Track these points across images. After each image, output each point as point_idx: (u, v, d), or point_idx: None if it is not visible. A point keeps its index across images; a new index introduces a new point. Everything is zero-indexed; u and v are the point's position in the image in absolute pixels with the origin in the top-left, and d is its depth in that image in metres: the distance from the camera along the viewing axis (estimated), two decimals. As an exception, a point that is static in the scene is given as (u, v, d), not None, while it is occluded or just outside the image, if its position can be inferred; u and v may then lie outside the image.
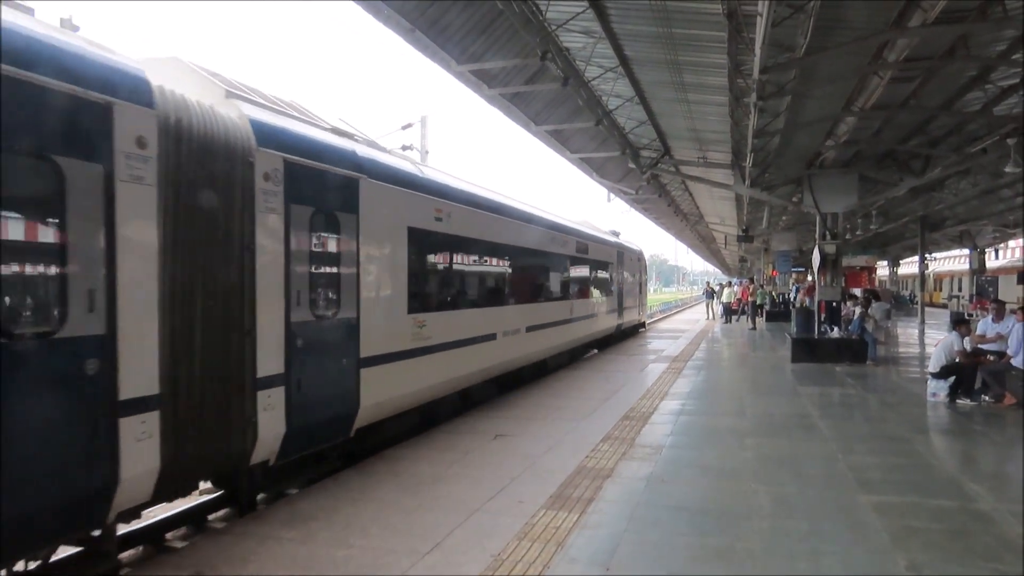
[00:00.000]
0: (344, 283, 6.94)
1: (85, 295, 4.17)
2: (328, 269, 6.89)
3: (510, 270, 11.97)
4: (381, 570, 4.47)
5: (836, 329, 16.34)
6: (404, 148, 21.36)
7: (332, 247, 6.93)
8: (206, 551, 4.85)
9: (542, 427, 8.96)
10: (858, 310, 15.78)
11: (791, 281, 34.62)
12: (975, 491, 6.01)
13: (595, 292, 18.18)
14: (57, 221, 4.13)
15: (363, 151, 7.59)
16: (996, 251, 37.57)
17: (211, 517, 6.48)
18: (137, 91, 4.60)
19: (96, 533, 4.56)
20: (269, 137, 5.95)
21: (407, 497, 6.06)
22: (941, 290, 44.53)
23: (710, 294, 37.25)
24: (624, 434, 8.36)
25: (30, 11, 4.35)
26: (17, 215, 4.10)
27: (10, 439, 3.68)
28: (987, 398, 10.14)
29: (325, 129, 7.28)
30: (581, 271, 16.96)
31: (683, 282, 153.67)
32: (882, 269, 46.28)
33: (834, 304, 16.36)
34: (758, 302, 28.17)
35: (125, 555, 5.38)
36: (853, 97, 10.78)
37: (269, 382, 5.83)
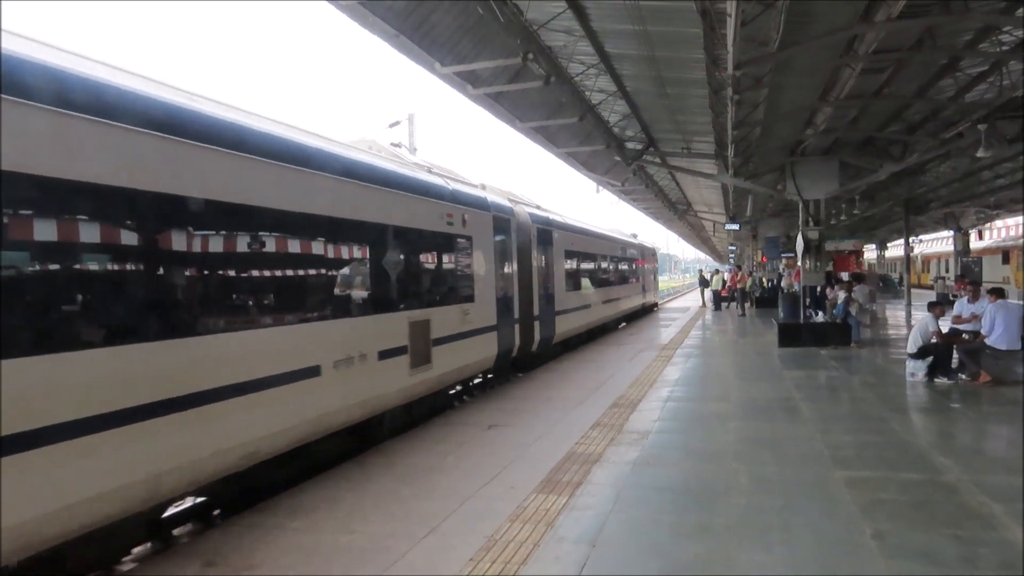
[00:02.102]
0: (552, 276, 15.24)
1: (470, 290, 10.65)
2: (546, 271, 14.83)
3: (599, 267, 20.86)
4: (381, 553, 4.76)
5: (821, 313, 16.72)
6: (393, 145, 21.62)
7: (547, 262, 14.95)
8: (215, 542, 5.13)
9: (534, 417, 9.27)
10: (842, 294, 16.13)
11: (782, 266, 35.01)
12: (943, 464, 6.34)
13: (632, 280, 26.93)
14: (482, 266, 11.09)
15: (554, 216, 16.48)
16: (981, 232, 38.02)
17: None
18: (487, 206, 11.46)
19: None
20: (531, 217, 14.05)
21: (404, 487, 6.35)
22: (928, 271, 45.03)
23: (703, 281, 37.60)
24: (613, 421, 8.66)
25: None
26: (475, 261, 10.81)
27: (503, 322, 11.79)
28: (964, 376, 10.50)
29: (532, 205, 15.35)
30: (625, 266, 25.48)
31: (675, 270, 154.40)
32: (870, 252, 46.75)
33: (818, 289, 16.71)
34: (747, 288, 28.54)
35: (136, 550, 5.65)
36: (828, 87, 11.07)
37: (532, 319, 13.63)
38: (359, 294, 7.62)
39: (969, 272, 28.71)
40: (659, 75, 11.58)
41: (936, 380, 10.49)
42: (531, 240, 13.66)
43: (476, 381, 12.42)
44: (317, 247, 6.88)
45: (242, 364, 5.68)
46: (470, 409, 9.98)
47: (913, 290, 28.07)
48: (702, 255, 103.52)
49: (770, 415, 8.79)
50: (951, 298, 19.97)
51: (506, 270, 12.22)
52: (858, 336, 15.41)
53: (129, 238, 4.82)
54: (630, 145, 17.45)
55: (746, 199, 24.85)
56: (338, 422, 7.15)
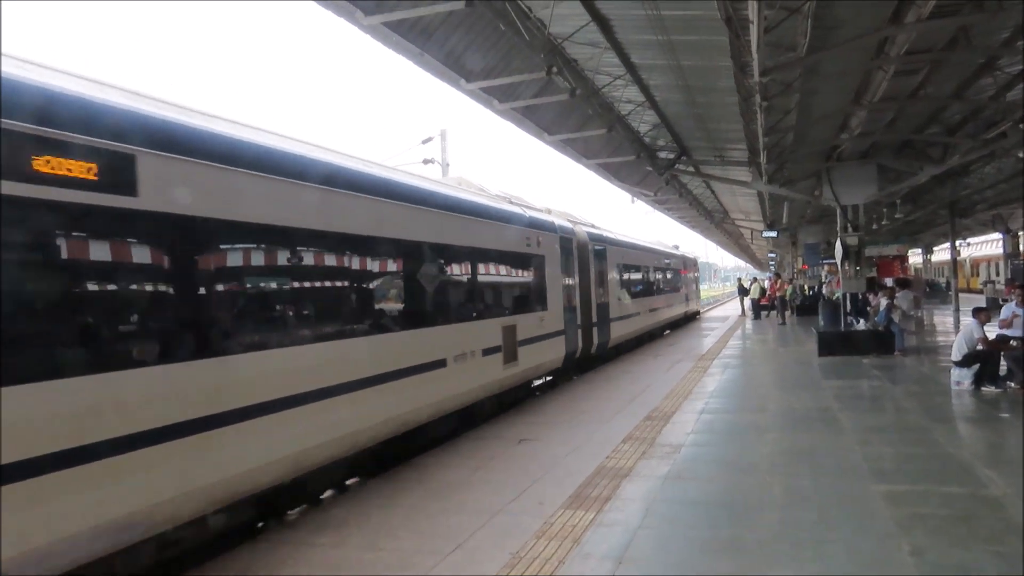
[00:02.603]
0: (607, 287, 16.92)
1: (543, 300, 12.26)
2: (602, 283, 16.53)
3: (647, 278, 22.66)
4: (407, 570, 4.77)
5: (863, 321, 16.31)
6: (425, 161, 21.86)
7: (602, 274, 16.64)
8: (242, 558, 5.20)
9: (566, 430, 9.21)
10: (884, 301, 15.71)
11: (824, 273, 34.30)
12: (988, 477, 6.11)
13: (676, 289, 28.60)
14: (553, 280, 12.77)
15: (607, 233, 18.26)
16: (1033, 233, 36.70)
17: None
18: (554, 228, 13.25)
19: None
20: (589, 236, 15.84)
21: (433, 502, 6.36)
22: (978, 276, 43.61)
23: (742, 290, 37.01)
24: (645, 434, 8.55)
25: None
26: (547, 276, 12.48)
27: (569, 327, 13.53)
28: (1012, 384, 10.11)
29: (587, 224, 17.06)
30: (670, 276, 27.12)
31: (715, 279, 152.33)
32: (916, 257, 45.50)
33: (859, 296, 16.32)
34: (787, 296, 28.01)
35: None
36: (861, 91, 10.85)
37: (591, 325, 15.20)
38: (469, 304, 9.70)
39: (1019, 275, 27.69)
40: (687, 84, 11.50)
41: (983, 389, 10.12)
42: (589, 256, 15.51)
43: (539, 381, 13.94)
44: (445, 268, 9.09)
45: (406, 355, 7.73)
46: (501, 423, 9.96)
47: (962, 295, 27.20)
48: (742, 263, 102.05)
49: (807, 426, 8.58)
50: (1000, 303, 19.31)
51: (570, 283, 13.99)
52: (902, 344, 14.97)
53: (353, 269, 7.26)
54: (662, 155, 17.33)
55: (783, 206, 24.44)
56: (455, 404, 9.03)
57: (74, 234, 4.34)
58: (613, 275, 17.73)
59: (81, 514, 4.08)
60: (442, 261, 8.93)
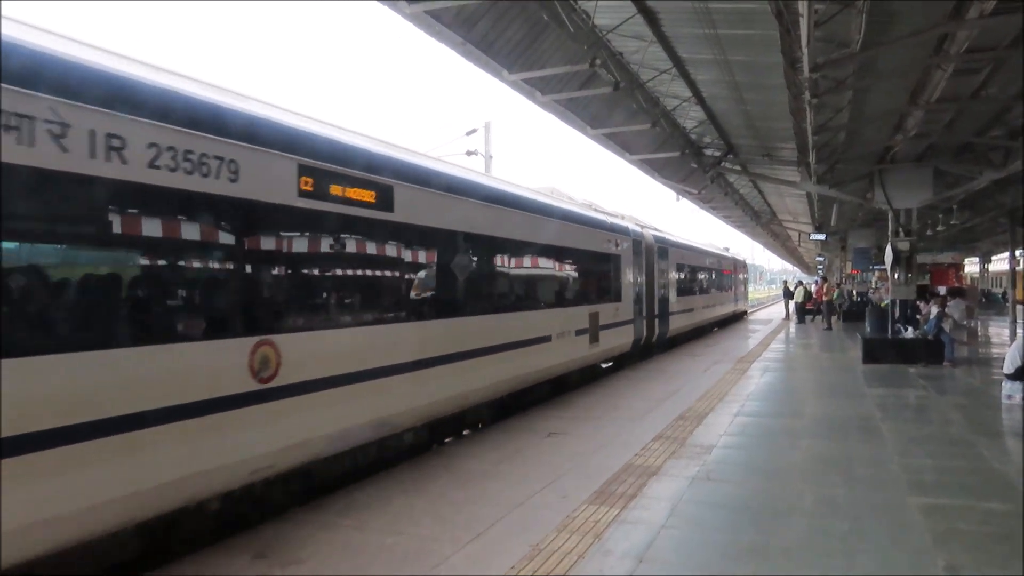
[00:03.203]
0: (667, 284, 18.58)
1: (618, 293, 14.31)
2: (663, 280, 18.16)
3: (701, 277, 24.37)
4: (424, 556, 4.77)
5: (911, 329, 15.78)
6: (469, 153, 21.91)
7: (663, 273, 18.27)
8: (267, 536, 5.27)
9: (596, 426, 9.12)
10: (935, 309, 15.18)
11: (874, 279, 33.38)
12: (1034, 495, 5.84)
13: (727, 289, 30.18)
14: (626, 276, 14.91)
15: (668, 236, 20.02)
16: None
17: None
18: (628, 232, 15.25)
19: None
20: (654, 238, 17.77)
21: (457, 490, 6.37)
22: (1039, 287, 41.84)
23: (787, 293, 36.27)
24: (676, 434, 8.42)
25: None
26: (621, 272, 14.75)
27: (636, 318, 15.60)
28: (1068, 401, 9.65)
29: (651, 228, 18.62)
30: (721, 276, 28.69)
31: (760, 281, 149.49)
32: (972, 266, 43.90)
33: (909, 303, 15.79)
34: (834, 300, 27.31)
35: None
36: (918, 90, 10.45)
37: (654, 317, 17.07)
38: (568, 294, 12.11)
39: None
40: (735, 80, 11.25)
41: (1036, 404, 9.68)
42: (654, 256, 17.53)
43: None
44: (556, 264, 11.62)
45: (530, 330, 10.13)
46: (532, 416, 9.92)
47: (1020, 307, 26.14)
48: (789, 266, 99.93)
49: (845, 434, 8.34)
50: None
51: (638, 279, 16.01)
52: (952, 355, 14.45)
53: (510, 266, 10.03)
54: (708, 152, 17.03)
55: (832, 208, 23.79)
56: (555, 372, 11.32)
57: (363, 234, 6.77)
58: (673, 274, 19.80)
59: (395, 403, 7.03)
60: (555, 259, 11.57)
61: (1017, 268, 25.84)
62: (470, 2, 8.24)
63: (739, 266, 34.66)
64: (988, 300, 37.69)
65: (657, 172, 19.79)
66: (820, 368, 15.18)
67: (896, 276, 15.70)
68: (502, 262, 9.78)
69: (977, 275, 44.55)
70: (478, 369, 8.53)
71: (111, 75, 4.41)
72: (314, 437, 5.90)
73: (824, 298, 27.06)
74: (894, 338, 15.57)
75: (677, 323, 19.93)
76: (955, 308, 15.28)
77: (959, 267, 34.79)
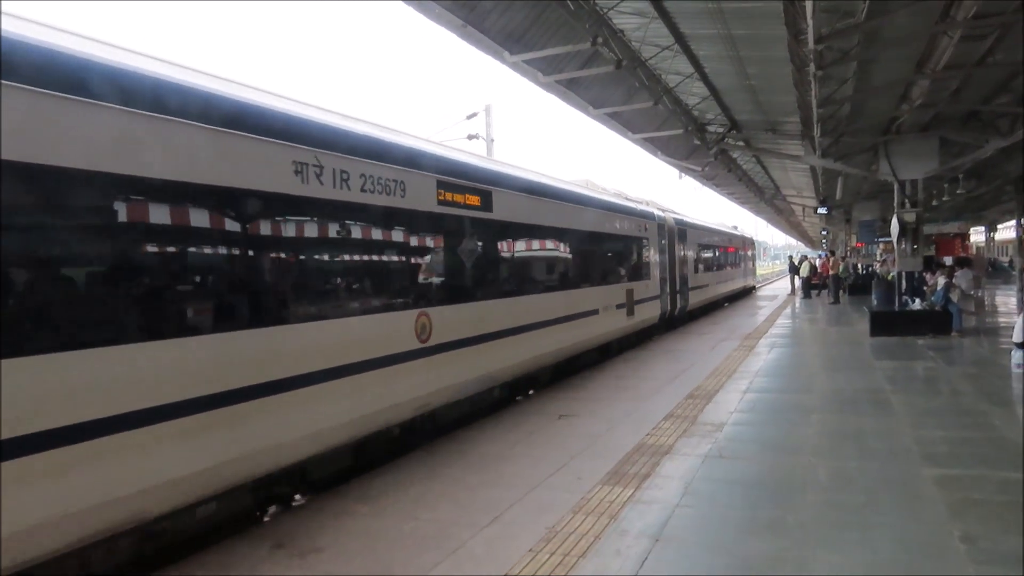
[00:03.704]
0: (687, 263, 20.27)
1: (647, 272, 16.11)
2: (683, 259, 19.90)
3: (715, 255, 26.60)
4: (443, 541, 4.81)
5: (919, 300, 15.74)
6: (470, 137, 21.79)
7: (683, 252, 19.96)
8: (285, 524, 5.32)
9: (606, 407, 9.15)
10: (942, 280, 15.12)
11: (879, 251, 33.24)
12: (1048, 463, 5.84)
13: (737, 265, 32.19)
14: (652, 256, 16.73)
15: (686, 218, 22.14)
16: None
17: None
18: (653, 216, 17.01)
19: None
20: (674, 221, 19.42)
21: (472, 475, 6.40)
22: (1045, 255, 41.64)
23: (793, 268, 36.21)
24: (687, 412, 8.44)
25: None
26: (649, 253, 16.42)
27: (663, 293, 17.51)
28: (1078, 368, 9.63)
29: (672, 211, 20.25)
30: (732, 254, 30.75)
31: (764, 257, 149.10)
32: (978, 235, 43.69)
33: (915, 275, 15.73)
34: (840, 274, 27.23)
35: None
36: (924, 59, 10.34)
37: (676, 293, 18.93)
38: (610, 272, 13.83)
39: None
40: (738, 54, 11.13)
41: (1047, 372, 9.68)
42: (675, 237, 19.19)
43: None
44: (601, 248, 13.52)
45: (585, 304, 11.97)
46: (542, 398, 9.96)
47: (1026, 275, 26.02)
48: (793, 241, 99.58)
49: (856, 408, 8.34)
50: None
51: (662, 259, 17.71)
52: (960, 325, 14.41)
53: (567, 249, 11.77)
54: (711, 128, 16.90)
55: (837, 181, 23.64)
56: (600, 341, 13.10)
57: (475, 231, 8.53)
58: (691, 253, 21.54)
59: (499, 361, 8.91)
60: (601, 244, 13.44)
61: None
62: (469, -17, 8.16)
63: (747, 243, 36.94)
64: (995, 269, 37.50)
65: (660, 150, 19.67)
66: (828, 342, 15.16)
67: (903, 248, 15.63)
68: (565, 248, 11.70)
69: (983, 245, 44.37)
70: (551, 336, 10.47)
71: (345, 131, 6.50)
72: (453, 384, 7.85)
73: (831, 272, 26.97)
74: (901, 310, 15.56)
75: (696, 298, 21.88)
76: (962, 278, 15.21)
77: (965, 237, 34.60)
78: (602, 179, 21.29)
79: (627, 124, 16.27)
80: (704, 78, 12.86)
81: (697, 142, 17.31)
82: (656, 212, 17.86)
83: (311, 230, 6.01)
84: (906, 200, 15.40)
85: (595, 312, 12.42)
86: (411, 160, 7.25)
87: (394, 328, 6.85)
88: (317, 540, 4.96)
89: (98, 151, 4.09)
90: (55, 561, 3.94)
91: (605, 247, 13.76)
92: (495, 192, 8.95)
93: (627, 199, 16.55)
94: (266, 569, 4.58)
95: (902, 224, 15.24)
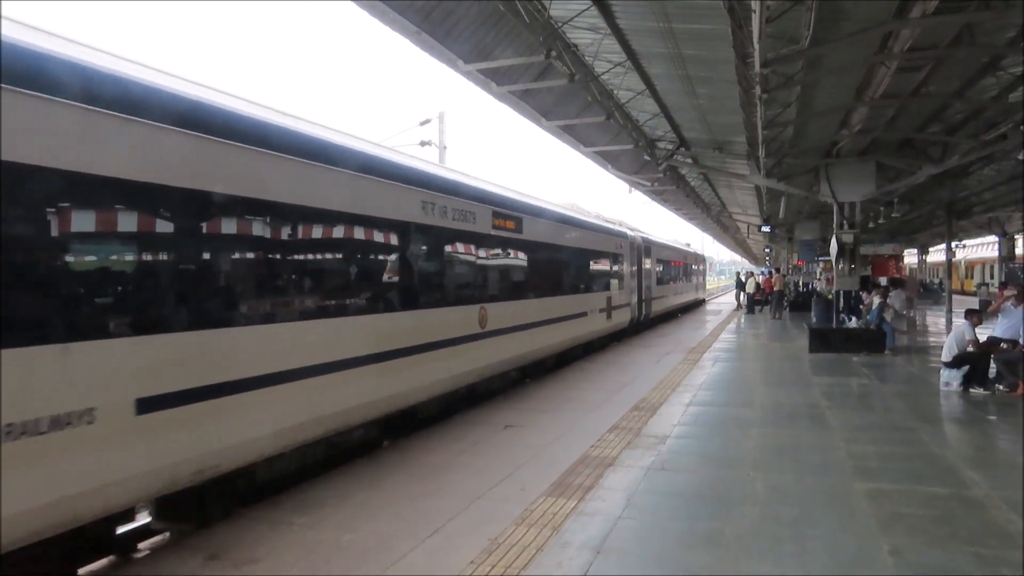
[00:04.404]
0: (651, 276, 23.57)
1: (621, 282, 19.14)
2: (647, 272, 22.97)
3: (673, 270, 29.68)
4: (383, 553, 4.73)
5: (854, 319, 16.29)
6: (423, 143, 21.69)
7: (647, 267, 23.07)
8: (220, 535, 5.15)
9: (552, 418, 9.18)
10: (877, 299, 15.70)
11: (819, 270, 34.31)
12: (972, 479, 6.09)
13: (692, 279, 36.14)
14: (625, 269, 19.85)
15: (650, 236, 24.93)
16: (1028, 237, 36.70)
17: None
18: (627, 235, 20.35)
19: None
20: (641, 239, 22.53)
21: (415, 484, 6.32)
22: (973, 278, 43.69)
23: (740, 283, 37.12)
24: (631, 424, 8.52)
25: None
26: (623, 267, 19.71)
27: (633, 302, 20.83)
28: (1001, 387, 10.11)
29: (637, 230, 23.09)
30: (688, 268, 34.54)
31: (710, 272, 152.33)
32: (911, 257, 45.54)
33: (852, 294, 16.27)
34: (784, 291, 28.02)
35: (144, 543, 5.70)
36: (863, 87, 10.74)
37: (641, 301, 21.88)
38: (595, 282, 16.56)
39: (1015, 278, 27.73)
40: (688, 74, 11.36)
41: (972, 390, 10.13)
42: (641, 253, 22.03)
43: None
44: (590, 261, 16.25)
45: (579, 307, 14.90)
46: (488, 408, 9.92)
47: (956, 297, 27.23)
48: (737, 257, 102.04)
49: (794, 422, 8.56)
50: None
51: (631, 271, 20.64)
52: (893, 343, 14.98)
53: (570, 264, 14.98)
54: (661, 144, 17.20)
55: (780, 201, 24.35)
56: (586, 339, 16.04)
57: (512, 248, 11.40)
58: (654, 267, 24.56)
59: (529, 345, 11.91)
60: (589, 258, 16.22)
61: (953, 259, 26.90)
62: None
63: (700, 260, 42.12)
64: (926, 290, 39.15)
65: (611, 164, 19.93)
66: (769, 358, 15.55)
67: (840, 267, 16.17)
68: (567, 260, 14.71)
69: (916, 266, 46.28)
70: (556, 331, 13.39)
71: (443, 178, 9.49)
72: (501, 360, 10.77)
73: (775, 288, 27.71)
74: (839, 328, 16.06)
75: (657, 306, 25.07)
76: (896, 298, 15.84)
77: (899, 258, 36.01)
78: (585, 203, 25.26)
79: (579, 137, 16.44)
80: (655, 95, 13.09)
81: (647, 157, 17.59)
82: (628, 231, 20.92)
83: (432, 246, 8.89)
84: (844, 221, 15.94)
85: (585, 314, 15.33)
86: (479, 196, 10.27)
87: (468, 317, 9.67)
88: (253, 551, 4.82)
89: (354, 201, 7.17)
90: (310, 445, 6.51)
91: (593, 261, 16.50)
92: (525, 219, 11.90)
93: (605, 220, 19.54)
94: (197, 582, 4.42)
95: (840, 244, 15.76)
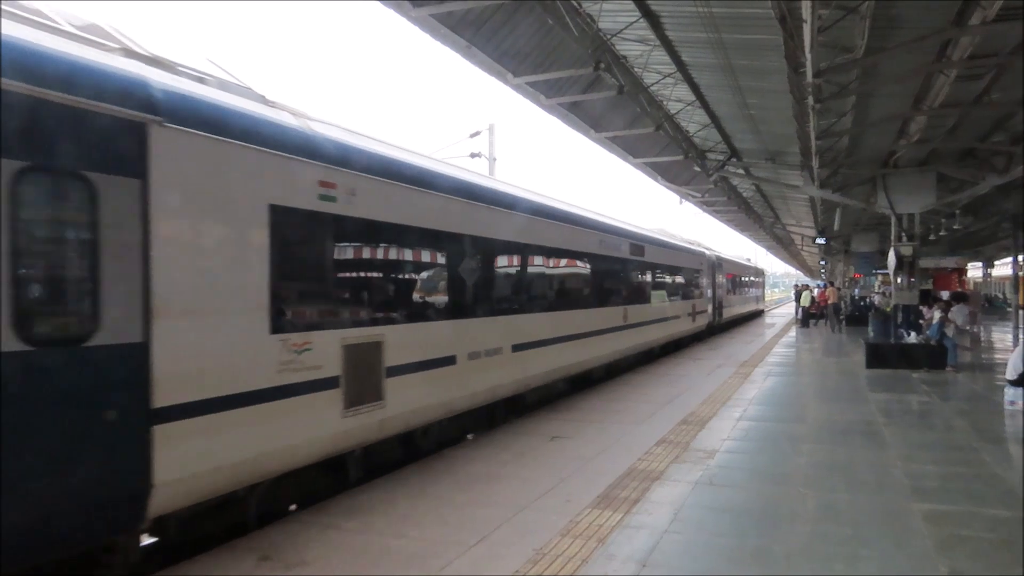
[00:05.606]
0: (722, 288, 28.27)
1: (701, 293, 23.54)
2: (719, 285, 27.18)
3: (738, 282, 33.71)
4: (429, 559, 4.79)
5: (914, 334, 15.78)
6: (472, 156, 21.93)
7: (719, 280, 27.27)
8: (272, 537, 5.29)
9: (599, 429, 9.13)
10: (938, 314, 15.17)
11: (876, 283, 33.34)
12: (1038, 501, 5.84)
13: (754, 290, 40.47)
14: (704, 282, 24.39)
15: (721, 254, 29.21)
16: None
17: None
18: (704, 254, 24.37)
19: None
20: (714, 257, 26.88)
21: (461, 493, 6.38)
22: (1042, 292, 41.70)
23: (798, 296, 36.40)
24: (679, 438, 8.43)
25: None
26: (702, 280, 23.87)
27: (709, 309, 24.82)
28: (1071, 406, 9.65)
29: (710, 249, 27.10)
30: (752, 282, 39.40)
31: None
32: (975, 270, 43.81)
33: (912, 308, 15.78)
34: (840, 304, 27.40)
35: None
36: (921, 95, 10.47)
37: (715, 309, 26.46)
38: (685, 292, 20.43)
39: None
40: (738, 84, 11.28)
41: (1039, 409, 9.69)
42: (714, 269, 25.56)
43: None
44: (684, 277, 20.33)
45: (675, 311, 19.05)
46: (535, 419, 9.94)
47: (1022, 312, 26.09)
48: (792, 269, 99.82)
49: (848, 439, 8.33)
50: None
51: (707, 284, 23.94)
52: (954, 360, 14.43)
53: (664, 275, 18.50)
54: (711, 155, 17.04)
55: (835, 212, 23.79)
56: (678, 336, 19.74)
57: (641, 266, 16.12)
58: (723, 280, 28.03)
59: (641, 340, 15.86)
60: (681, 273, 20.00)
61: (1020, 273, 25.81)
62: (476, 3, 8.26)
63: (760, 273, 46.91)
64: (991, 305, 37.60)
65: (660, 175, 19.82)
66: (823, 372, 15.17)
67: (899, 281, 15.70)
68: (669, 275, 18.65)
69: (980, 280, 44.49)
70: (662, 328, 17.33)
71: (605, 223, 13.82)
72: (633, 344, 14.73)
73: (830, 301, 27.07)
74: (897, 343, 15.57)
75: (727, 314, 28.91)
76: (958, 313, 15.28)
77: (962, 272, 34.69)
78: (672, 228, 28.59)
79: (628, 148, 16.42)
80: (705, 106, 13.01)
81: (698, 168, 17.46)
82: (705, 250, 24.72)
83: (596, 266, 12.77)
84: (903, 233, 15.50)
85: (679, 317, 19.30)
86: (617, 232, 14.31)
87: (617, 314, 13.67)
88: (303, 554, 4.94)
89: (573, 242, 11.79)
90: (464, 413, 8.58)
91: (683, 276, 20.32)
92: (646, 246, 16.03)
93: (687, 241, 23.32)
94: (250, 582, 4.56)
95: (899, 257, 15.32)
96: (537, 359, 10.04)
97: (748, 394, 11.76)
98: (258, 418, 5.09)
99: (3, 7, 4.00)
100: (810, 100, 9.16)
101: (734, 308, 31.50)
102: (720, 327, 27.19)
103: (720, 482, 6.59)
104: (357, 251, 6.54)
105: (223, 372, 4.84)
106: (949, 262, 33.39)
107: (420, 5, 8.04)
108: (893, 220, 15.53)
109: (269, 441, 5.22)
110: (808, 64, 7.58)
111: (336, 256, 6.21)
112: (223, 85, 5.47)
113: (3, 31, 3.80)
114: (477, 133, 22.05)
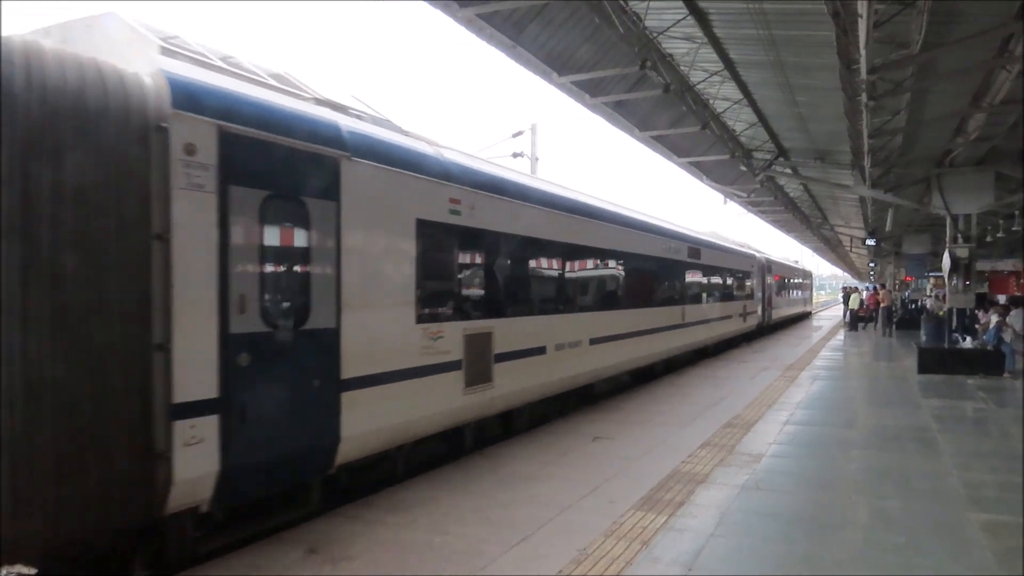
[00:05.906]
0: (771, 288, 29.07)
1: (752, 294, 24.65)
2: (768, 286, 28.09)
3: (786, 284, 34.13)
4: (473, 557, 4.81)
5: (969, 339, 15.27)
6: (515, 155, 21.97)
7: (768, 281, 28.70)
8: (318, 530, 5.38)
9: (642, 431, 9.06)
10: (995, 318, 14.65)
11: (929, 286, 32.35)
12: (1104, 515, 5.59)
13: (801, 292, 40.97)
14: (755, 284, 25.77)
15: (770, 256, 30.40)
16: None
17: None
18: (755, 256, 25.76)
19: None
20: (764, 259, 28.17)
21: (504, 492, 6.39)
22: (1107, 297, 39.95)
23: (846, 298, 35.64)
24: (724, 441, 8.31)
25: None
26: (753, 282, 25.03)
27: (758, 310, 25.80)
28: None
29: (759, 251, 27.90)
30: (799, 284, 39.86)
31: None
32: (1035, 273, 42.08)
33: (967, 312, 15.27)
34: (891, 307, 26.69)
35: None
36: (980, 92, 10.12)
37: (764, 310, 27.47)
38: (737, 293, 21.59)
39: None
40: (788, 81, 11.05)
41: (1104, 419, 9.29)
42: (764, 271, 26.44)
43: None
44: (738, 279, 21.68)
45: (729, 311, 20.29)
46: (577, 419, 9.90)
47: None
48: (839, 272, 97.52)
49: (900, 445, 8.11)
50: None
51: (757, 286, 24.76)
52: (1012, 365, 13.92)
53: (720, 278, 19.88)
54: (758, 155, 16.75)
55: (887, 213, 23.14)
56: (731, 335, 20.95)
57: (700, 269, 17.25)
58: (772, 282, 28.73)
59: (709, 334, 18.15)
60: (734, 275, 20.92)
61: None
62: (522, 3, 8.27)
63: (807, 275, 47.73)
64: (1051, 310, 36.08)
65: (705, 175, 19.57)
66: (873, 376, 14.79)
67: (954, 284, 15.21)
68: (723, 277, 19.52)
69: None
70: (716, 326, 18.43)
71: (671, 230, 15.34)
72: (689, 342, 15.85)
73: (882, 304, 26.41)
74: (951, 348, 15.10)
75: (776, 314, 29.87)
76: (1016, 318, 14.72)
77: (1020, 275, 33.42)
78: (723, 231, 30.64)
79: (673, 147, 16.25)
80: (752, 104, 12.79)
81: (743, 168, 17.17)
82: (755, 253, 25.78)
83: (660, 268, 14.08)
84: (959, 235, 15.01)
85: (731, 317, 20.35)
86: (679, 237, 15.39)
87: (676, 313, 14.63)
88: (349, 548, 5.01)
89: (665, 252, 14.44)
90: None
91: (735, 278, 21.25)
92: (702, 249, 17.12)
93: (738, 244, 24.41)
94: (298, 571, 4.64)
95: (954, 259, 14.83)
96: (610, 352, 11.11)
97: (795, 398, 11.53)
98: (407, 391, 6.44)
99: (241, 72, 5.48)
100: (863, 97, 8.92)
101: (782, 309, 32.22)
102: (768, 328, 28.11)
103: (767, 486, 6.48)
104: (473, 255, 7.84)
105: (385, 353, 6.19)
106: (1007, 265, 32.22)
107: (467, 5, 8.08)
108: (948, 221, 15.05)
109: (414, 410, 6.57)
110: (863, 60, 7.39)
111: (459, 260, 7.53)
112: (376, 121, 6.72)
113: (252, 94, 5.18)
114: (520, 133, 22.11)
